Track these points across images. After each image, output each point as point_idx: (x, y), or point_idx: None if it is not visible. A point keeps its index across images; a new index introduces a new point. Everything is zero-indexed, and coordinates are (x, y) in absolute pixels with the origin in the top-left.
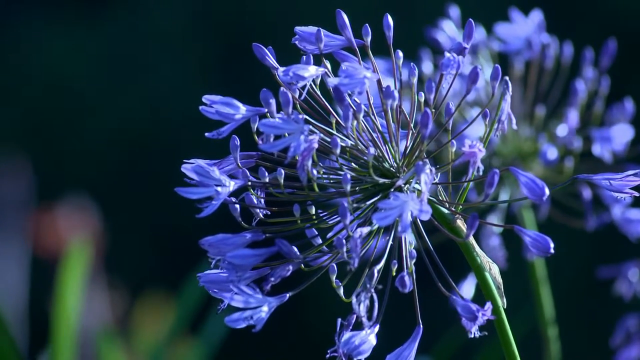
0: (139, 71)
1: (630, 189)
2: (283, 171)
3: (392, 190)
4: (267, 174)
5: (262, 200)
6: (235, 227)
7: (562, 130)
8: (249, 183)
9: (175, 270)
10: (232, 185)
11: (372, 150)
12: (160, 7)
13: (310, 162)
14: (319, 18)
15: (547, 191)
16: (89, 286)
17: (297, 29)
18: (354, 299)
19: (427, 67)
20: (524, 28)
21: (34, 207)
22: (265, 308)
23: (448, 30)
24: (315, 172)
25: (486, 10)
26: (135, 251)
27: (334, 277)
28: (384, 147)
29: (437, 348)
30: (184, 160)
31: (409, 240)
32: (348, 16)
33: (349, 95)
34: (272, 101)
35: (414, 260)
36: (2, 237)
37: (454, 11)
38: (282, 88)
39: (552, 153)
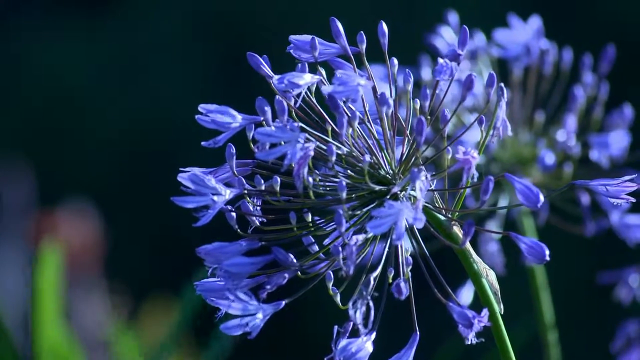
0: (140, 76)
1: (627, 194)
2: (279, 179)
3: (388, 197)
4: (263, 181)
5: (259, 208)
6: (234, 233)
7: (561, 135)
8: (245, 191)
9: (178, 274)
10: (228, 193)
11: (367, 157)
12: (161, 13)
13: (306, 170)
14: (320, 24)
15: (542, 198)
16: (89, 291)
17: (292, 37)
18: (350, 306)
19: (427, 73)
20: (522, 34)
21: (36, 212)
22: (260, 315)
23: (446, 37)
24: (311, 179)
25: (485, 16)
26: (137, 255)
27: (330, 285)
28: (380, 154)
29: (438, 356)
30: (180, 169)
31: (405, 247)
32: (350, 23)
33: (344, 102)
34: (268, 109)
35: (410, 267)
36: (4, 242)
37: (453, 17)
38: (277, 96)
39: (550, 158)
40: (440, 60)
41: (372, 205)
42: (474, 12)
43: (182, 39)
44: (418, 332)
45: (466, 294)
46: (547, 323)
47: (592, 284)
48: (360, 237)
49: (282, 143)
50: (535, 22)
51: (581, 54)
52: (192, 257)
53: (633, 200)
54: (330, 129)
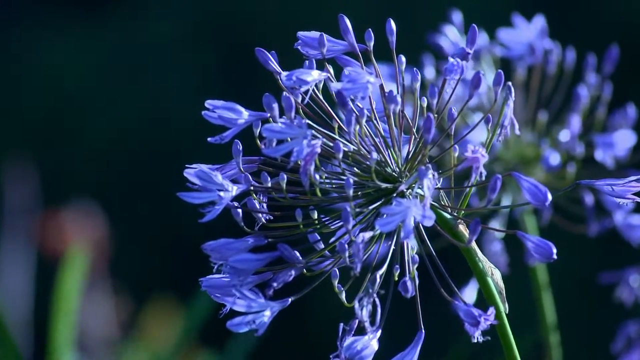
0: (141, 76)
1: (633, 194)
2: (285, 176)
3: (394, 195)
4: (269, 178)
5: (265, 205)
6: (241, 232)
7: (564, 135)
8: (252, 188)
9: (182, 274)
10: (234, 190)
11: (374, 155)
12: (161, 12)
13: (312, 167)
14: (321, 23)
15: (549, 196)
16: (93, 291)
17: (300, 34)
18: (356, 304)
19: (430, 72)
20: (526, 33)
21: (40, 212)
22: (267, 312)
23: (451, 36)
24: (317, 177)
25: (489, 16)
26: (140, 256)
27: (336, 282)
28: (387, 152)
29: (445, 357)
30: (187, 165)
31: (411, 245)
32: (350, 22)
33: (352, 100)
34: (275, 106)
35: (416, 265)
36: (8, 242)
37: (457, 16)
38: (284, 93)
39: (555, 159)
40: (451, 59)
41: (378, 203)
42: (476, 12)
43: (182, 39)
44: (423, 331)
45: (469, 293)
46: (548, 323)
47: (593, 284)
48: (367, 235)
49: (289, 140)
50: (539, 21)
51: (585, 54)
52: (194, 258)
53: (639, 200)
54: (337, 126)
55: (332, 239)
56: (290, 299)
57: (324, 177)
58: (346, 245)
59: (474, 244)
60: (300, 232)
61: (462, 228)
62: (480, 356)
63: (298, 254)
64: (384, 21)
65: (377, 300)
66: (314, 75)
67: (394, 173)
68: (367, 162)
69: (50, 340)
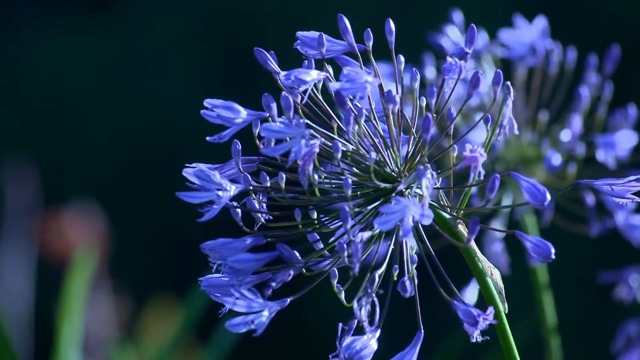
0: (140, 76)
1: (632, 194)
2: (284, 175)
3: (393, 194)
4: (268, 178)
5: (264, 205)
6: (240, 232)
7: (565, 135)
8: (250, 187)
9: (182, 274)
10: (233, 189)
11: (373, 154)
12: (161, 12)
13: (311, 167)
14: (320, 24)
15: (548, 196)
16: (94, 291)
17: (299, 33)
18: (355, 304)
19: (430, 72)
20: (527, 34)
21: (40, 212)
22: (266, 312)
23: (452, 36)
24: (316, 176)
25: (490, 16)
26: (140, 255)
27: (335, 282)
28: (386, 152)
29: (438, 354)
30: (186, 165)
31: (410, 244)
32: (349, 21)
33: (351, 99)
34: (274, 105)
35: (415, 265)
36: (9, 242)
37: (458, 16)
38: (283, 92)
39: (557, 159)
40: (449, 59)
41: (377, 203)
42: (476, 12)
43: (182, 39)
44: (422, 331)
45: (470, 293)
46: (548, 322)
47: (593, 283)
48: (366, 234)
49: (288, 139)
50: (541, 22)
51: (586, 54)
52: (194, 258)
53: (639, 199)
54: (336, 126)
55: (331, 239)
56: (289, 299)
57: (323, 177)
58: (345, 245)
59: (473, 244)
60: (299, 232)
61: (461, 228)
62: (473, 353)
63: (297, 253)
64: (383, 21)
65: (376, 300)
66: (313, 75)
67: (393, 173)
68: (366, 162)
69: (56, 343)
